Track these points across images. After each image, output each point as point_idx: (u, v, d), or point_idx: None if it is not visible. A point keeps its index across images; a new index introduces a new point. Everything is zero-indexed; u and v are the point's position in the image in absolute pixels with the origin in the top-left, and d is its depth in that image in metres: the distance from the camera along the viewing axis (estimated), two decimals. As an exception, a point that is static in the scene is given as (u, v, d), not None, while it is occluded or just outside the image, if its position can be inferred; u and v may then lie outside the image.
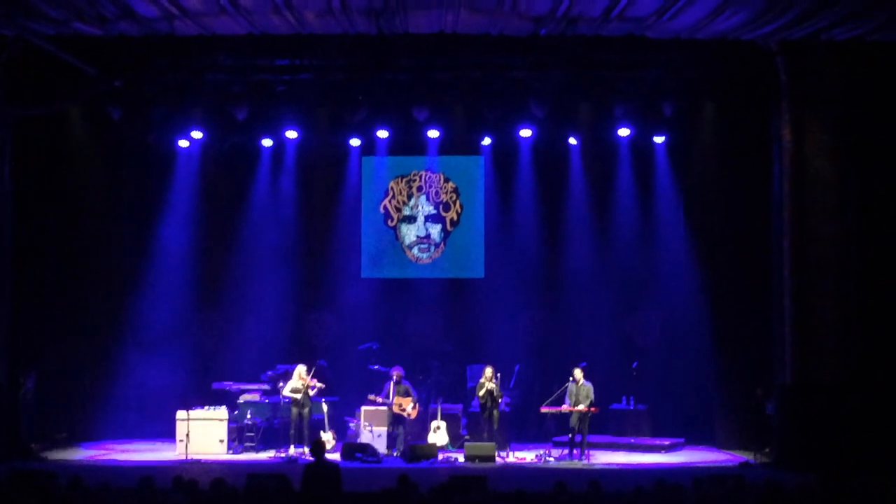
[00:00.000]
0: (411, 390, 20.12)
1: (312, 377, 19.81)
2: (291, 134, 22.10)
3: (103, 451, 20.32)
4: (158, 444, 20.80)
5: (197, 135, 22.09)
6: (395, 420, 19.90)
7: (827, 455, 17.26)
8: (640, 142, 22.21)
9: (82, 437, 21.33)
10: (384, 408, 19.96)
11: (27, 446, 19.38)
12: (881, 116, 18.27)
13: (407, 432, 20.08)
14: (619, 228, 22.89)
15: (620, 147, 22.48)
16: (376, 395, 19.94)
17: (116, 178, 22.52)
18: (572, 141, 22.52)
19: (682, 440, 20.93)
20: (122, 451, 20.28)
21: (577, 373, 19.32)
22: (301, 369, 19.79)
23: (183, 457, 19.04)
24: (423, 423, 20.51)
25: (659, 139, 22.17)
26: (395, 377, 20.00)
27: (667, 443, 20.54)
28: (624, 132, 21.84)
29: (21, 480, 12.37)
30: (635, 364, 21.61)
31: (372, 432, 20.00)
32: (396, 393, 19.89)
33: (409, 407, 19.92)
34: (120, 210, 22.67)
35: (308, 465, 13.17)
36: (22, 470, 13.21)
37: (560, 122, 21.65)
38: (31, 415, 20.06)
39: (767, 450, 18.84)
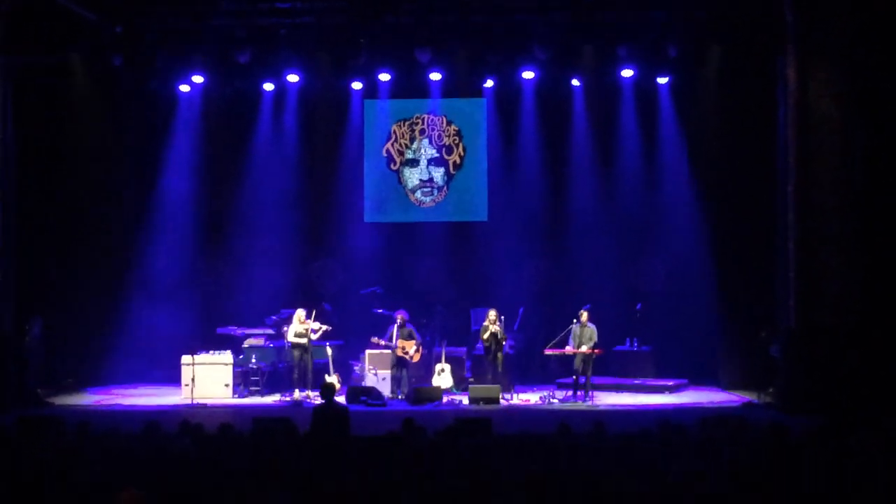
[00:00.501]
0: (415, 333, 20.19)
1: (315, 320, 19.85)
2: (293, 78, 21.96)
3: (109, 396, 20.46)
4: (164, 389, 20.87)
5: (198, 80, 21.95)
6: (399, 363, 19.99)
7: (830, 397, 17.35)
8: (644, 83, 22.09)
9: (88, 381, 21.46)
10: (388, 351, 20.04)
11: (34, 392, 19.49)
12: (889, 61, 18.07)
13: (411, 375, 20.17)
14: (622, 172, 22.83)
15: (624, 89, 22.35)
16: (380, 339, 20.02)
17: (118, 125, 22.45)
18: (575, 83, 22.41)
19: (685, 381, 21.02)
20: (128, 396, 20.41)
21: (583, 315, 19.36)
22: (300, 313, 19.83)
23: (188, 401, 19.13)
24: (427, 366, 20.60)
25: (663, 80, 22.05)
26: (398, 320, 20.07)
27: (670, 383, 20.62)
28: (627, 73, 21.70)
29: (29, 426, 12.46)
30: (639, 306, 21.64)
31: (377, 375, 20.11)
32: (400, 336, 19.96)
33: (412, 350, 20.01)
34: (123, 157, 22.63)
35: (317, 407, 13.26)
36: (29, 416, 13.29)
37: (563, 63, 21.50)
38: (37, 361, 20.18)
39: (771, 390, 18.91)
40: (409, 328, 20.16)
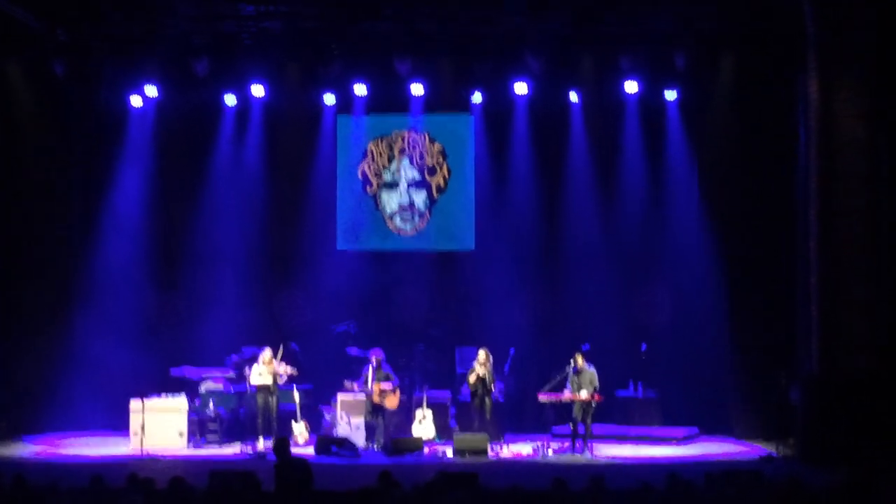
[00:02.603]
0: (392, 375, 20.20)
1: (281, 361, 19.86)
2: (258, 90, 22.02)
3: (49, 446, 20.36)
4: (110, 438, 20.84)
5: (152, 92, 21.98)
6: (375, 409, 19.98)
7: (855, 449, 17.35)
8: (650, 98, 22.17)
9: (25, 428, 21.35)
10: (362, 396, 20.02)
11: (-38, 439, 19.45)
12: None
13: (388, 423, 20.16)
14: (625, 196, 22.87)
15: (627, 104, 22.43)
16: (353, 382, 20.01)
17: (62, 142, 22.46)
18: (573, 97, 22.48)
19: (696, 430, 21.06)
20: (71, 445, 20.34)
21: (578, 359, 19.38)
22: (266, 354, 19.84)
23: (138, 452, 19.09)
24: (406, 413, 20.58)
25: (670, 95, 22.15)
26: (373, 361, 20.07)
27: (679, 433, 20.67)
28: (631, 87, 21.80)
29: (-43, 479, 12.39)
30: (644, 347, 21.68)
31: (349, 423, 20.09)
32: (375, 379, 19.95)
33: (389, 394, 20.00)
34: (67, 177, 22.62)
35: (275, 465, 13.26)
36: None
37: (559, 75, 21.64)
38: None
39: (790, 441, 18.94)
40: (386, 370, 20.16)
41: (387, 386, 19.95)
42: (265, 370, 19.75)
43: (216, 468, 15.12)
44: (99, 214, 22.75)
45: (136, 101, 22.38)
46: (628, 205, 22.81)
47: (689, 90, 21.94)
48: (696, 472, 13.24)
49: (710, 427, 21.23)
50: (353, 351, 21.30)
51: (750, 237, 21.04)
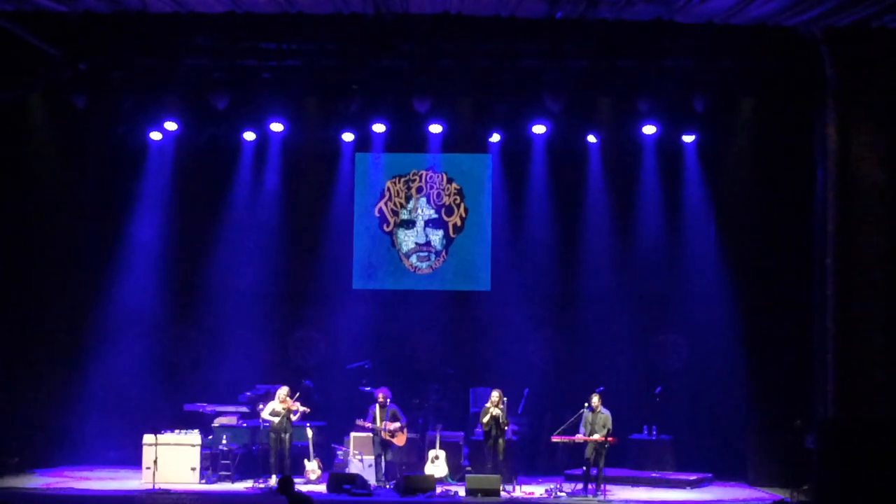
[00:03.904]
0: (399, 415, 20.13)
1: (296, 400, 19.81)
2: (277, 126, 22.03)
3: (61, 479, 20.27)
4: (122, 472, 20.80)
5: (171, 126, 22.04)
6: (383, 444, 19.91)
7: (873, 496, 17.15)
8: (668, 141, 22.20)
9: (36, 462, 21.26)
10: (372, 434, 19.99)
11: (-25, 473, 19.39)
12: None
13: (399, 462, 20.06)
14: (642, 238, 22.88)
15: (645, 147, 22.46)
16: (364, 420, 19.94)
17: (80, 175, 22.52)
18: (591, 139, 22.50)
19: (710, 475, 20.90)
20: (82, 479, 20.23)
21: (594, 399, 19.28)
22: (283, 391, 19.82)
23: (150, 486, 18.99)
24: (419, 452, 20.50)
25: (688, 138, 22.16)
26: (380, 399, 20.04)
27: (693, 478, 20.49)
28: (649, 130, 21.79)
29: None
30: (658, 389, 21.59)
31: (362, 461, 20.00)
32: (382, 417, 19.89)
33: (397, 432, 19.91)
34: (84, 211, 22.68)
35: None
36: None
37: (577, 117, 21.63)
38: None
39: (805, 488, 18.74)
40: (393, 408, 20.10)
41: (394, 426, 19.86)
42: (280, 407, 19.68)
43: None
44: (115, 248, 22.78)
45: (155, 135, 22.43)
46: (645, 247, 22.81)
47: (707, 133, 21.96)
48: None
49: (725, 472, 21.10)
50: (367, 389, 21.20)
51: (767, 281, 20.94)
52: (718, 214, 22.15)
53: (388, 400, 20.12)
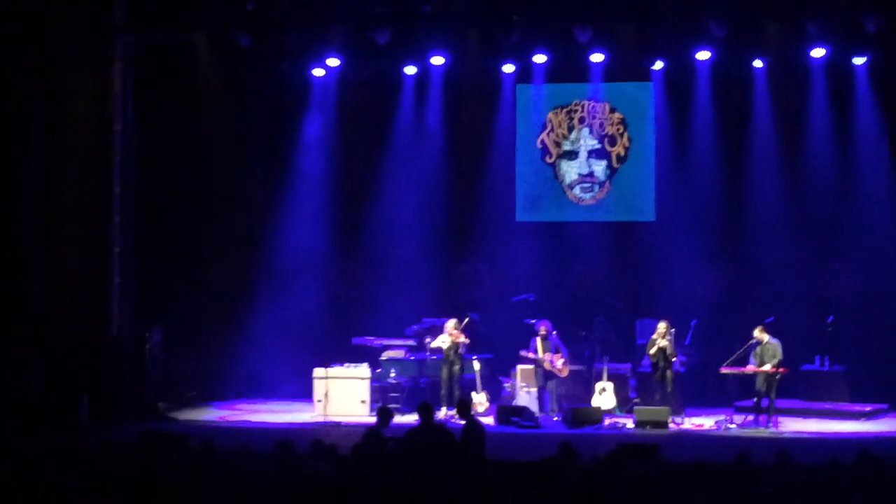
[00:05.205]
0: (560, 347, 20.22)
1: (463, 331, 19.98)
2: (438, 60, 22.06)
3: (235, 412, 20.90)
4: (295, 405, 21.27)
5: (333, 62, 22.16)
6: (546, 375, 20.09)
7: None
8: (838, 64, 21.61)
9: (212, 396, 21.93)
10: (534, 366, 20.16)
11: (154, 406, 20.02)
12: None
13: (566, 393, 20.25)
14: (811, 165, 22.42)
15: (814, 71, 21.90)
16: (528, 351, 20.09)
17: (246, 114, 22.92)
18: (757, 64, 22.05)
19: (885, 406, 20.49)
20: (256, 412, 20.81)
21: (760, 331, 19.05)
22: (451, 323, 19.99)
23: (321, 418, 19.44)
24: (586, 385, 20.57)
25: (859, 60, 21.55)
26: (541, 331, 20.16)
27: (868, 409, 20.17)
28: (818, 53, 21.24)
29: (151, 443, 12.79)
30: (830, 319, 21.20)
31: (529, 393, 20.15)
32: (544, 349, 20.01)
33: (559, 363, 20.04)
34: (250, 150, 23.12)
35: (412, 429, 13.39)
36: (151, 431, 13.63)
37: (743, 42, 21.19)
38: (157, 372, 20.67)
39: None
40: (553, 341, 20.18)
41: (556, 358, 19.98)
42: (449, 340, 19.86)
43: (397, 435, 15.20)
44: (281, 189, 23.16)
45: (318, 72, 22.62)
46: (815, 174, 22.33)
47: (879, 54, 21.28)
48: (885, 448, 12.94)
49: (901, 402, 20.71)
50: (532, 321, 21.29)
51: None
52: (892, 139, 21.59)
53: (549, 332, 20.22)
